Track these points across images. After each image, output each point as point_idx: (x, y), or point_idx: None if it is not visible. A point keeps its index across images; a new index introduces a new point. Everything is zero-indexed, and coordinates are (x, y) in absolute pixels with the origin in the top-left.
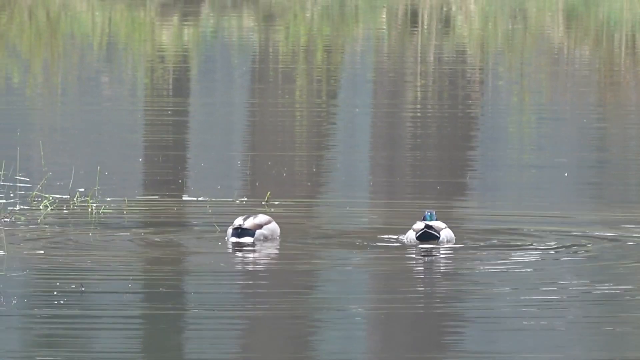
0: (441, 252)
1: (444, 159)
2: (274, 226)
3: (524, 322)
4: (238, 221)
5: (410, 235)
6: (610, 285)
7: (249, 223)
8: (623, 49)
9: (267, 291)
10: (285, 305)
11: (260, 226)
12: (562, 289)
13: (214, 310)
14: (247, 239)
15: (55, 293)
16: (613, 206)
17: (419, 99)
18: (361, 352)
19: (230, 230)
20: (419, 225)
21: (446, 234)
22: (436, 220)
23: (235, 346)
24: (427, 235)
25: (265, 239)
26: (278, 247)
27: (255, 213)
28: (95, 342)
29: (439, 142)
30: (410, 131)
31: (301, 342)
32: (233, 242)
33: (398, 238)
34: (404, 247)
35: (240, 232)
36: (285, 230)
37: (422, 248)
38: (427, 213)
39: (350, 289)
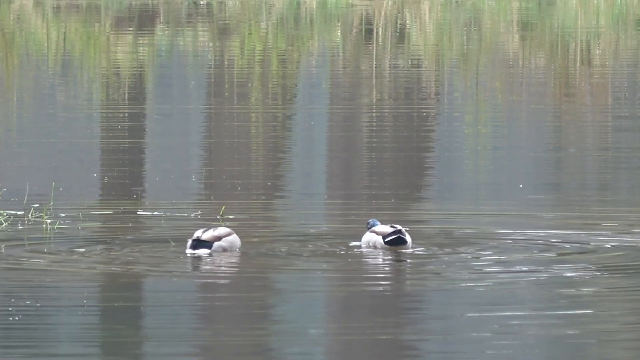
0: (401, 260)
1: (400, 163)
2: (233, 238)
3: (489, 337)
4: (197, 233)
5: (375, 239)
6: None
7: (207, 235)
8: (578, 57)
9: (225, 312)
10: (242, 328)
11: (219, 238)
12: (523, 292)
13: (170, 330)
14: (204, 251)
15: (10, 309)
16: (570, 208)
17: (374, 101)
18: None
19: (189, 242)
20: (384, 228)
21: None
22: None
23: None
24: (398, 240)
25: (224, 251)
26: (236, 261)
27: (215, 226)
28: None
29: (396, 144)
30: (366, 134)
31: None
32: (189, 254)
33: (359, 245)
34: (362, 259)
35: (197, 244)
36: (242, 245)
37: (382, 257)
38: (370, 221)
39: (309, 309)
